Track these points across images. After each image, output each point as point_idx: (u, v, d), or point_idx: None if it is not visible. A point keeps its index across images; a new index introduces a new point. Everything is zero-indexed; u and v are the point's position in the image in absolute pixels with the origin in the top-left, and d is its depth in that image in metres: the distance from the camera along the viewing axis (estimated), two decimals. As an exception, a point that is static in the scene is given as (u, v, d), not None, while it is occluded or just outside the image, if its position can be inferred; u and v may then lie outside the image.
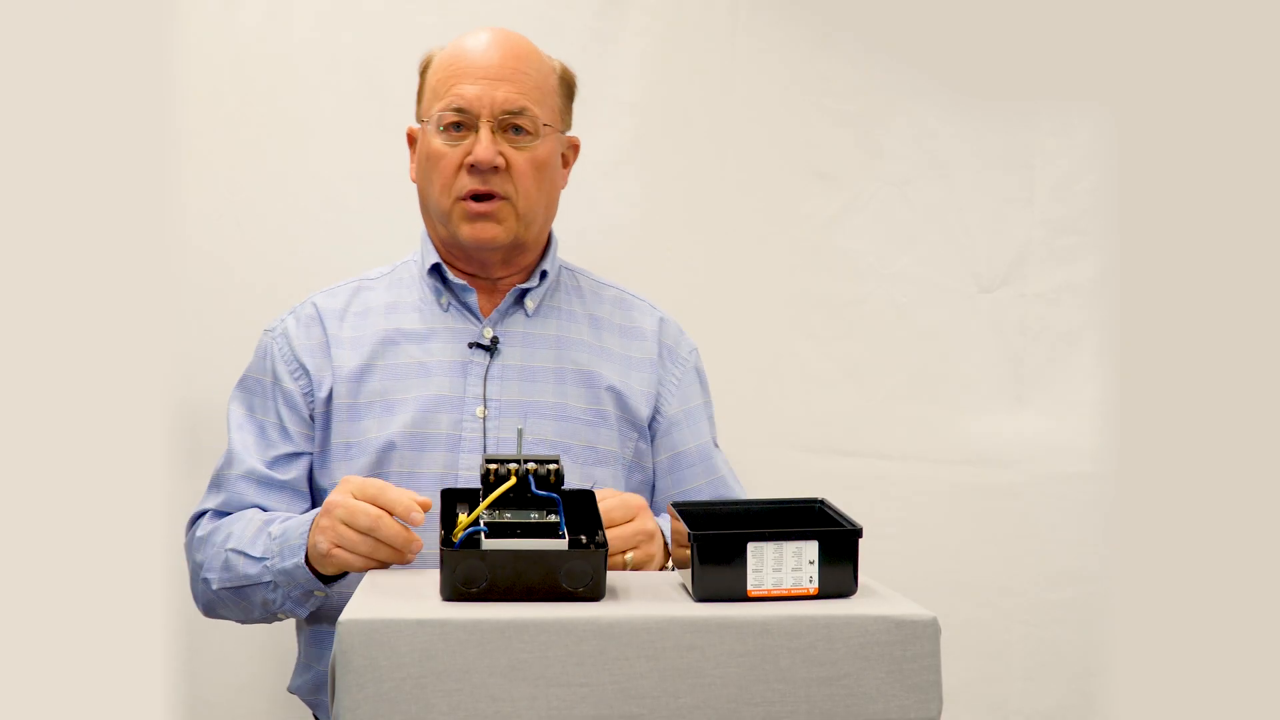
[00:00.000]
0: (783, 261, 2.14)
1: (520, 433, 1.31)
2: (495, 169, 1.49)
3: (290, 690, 1.59)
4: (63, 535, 0.91)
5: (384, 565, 1.28)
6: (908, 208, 2.14)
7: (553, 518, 1.15)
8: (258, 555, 1.40)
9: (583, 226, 2.11)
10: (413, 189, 2.02)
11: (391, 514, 1.25)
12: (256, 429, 1.54)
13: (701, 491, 1.59)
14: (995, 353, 2.15)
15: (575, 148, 1.63)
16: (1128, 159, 1.15)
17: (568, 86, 1.60)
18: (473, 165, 1.49)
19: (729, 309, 2.14)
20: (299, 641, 1.57)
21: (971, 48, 2.10)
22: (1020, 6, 2.08)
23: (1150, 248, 1.12)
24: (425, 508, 1.25)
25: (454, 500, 1.22)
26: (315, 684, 1.53)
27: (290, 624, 1.60)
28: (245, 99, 2.01)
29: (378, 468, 1.48)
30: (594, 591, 1.09)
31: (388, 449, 1.49)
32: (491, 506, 1.16)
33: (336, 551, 1.28)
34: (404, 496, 1.26)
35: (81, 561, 0.91)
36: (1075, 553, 2.11)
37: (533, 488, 1.18)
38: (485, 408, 1.51)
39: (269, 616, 1.45)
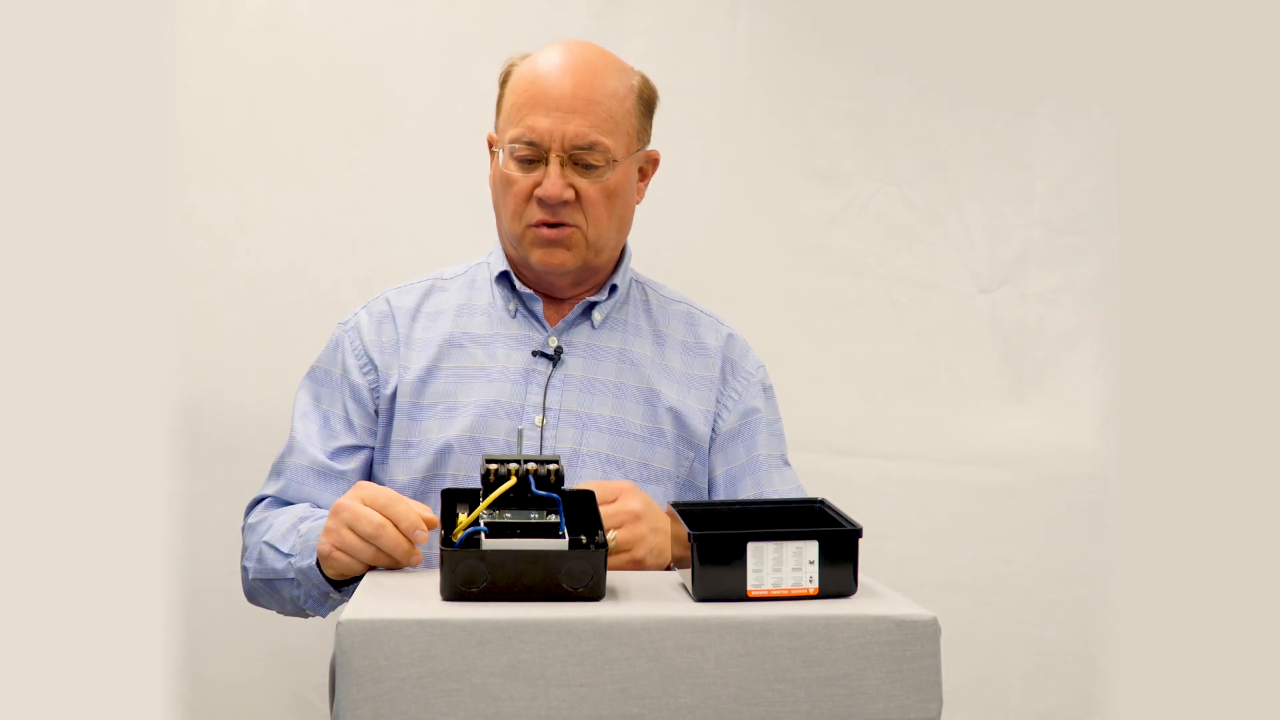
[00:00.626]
0: (783, 261, 2.14)
1: (521, 433, 1.31)
2: (564, 202, 1.49)
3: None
4: (63, 534, 0.91)
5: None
6: (908, 208, 2.14)
7: (553, 518, 1.15)
8: (285, 550, 1.41)
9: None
10: (410, 190, 2.03)
11: (397, 526, 1.24)
12: (321, 419, 1.55)
13: None
14: (995, 353, 2.15)
15: (655, 161, 1.62)
16: (1127, 159, 1.15)
17: (646, 103, 1.59)
18: (541, 199, 1.49)
19: (729, 309, 2.14)
20: None
21: (971, 48, 2.10)
22: (1020, 7, 2.08)
23: (1150, 248, 1.12)
24: (431, 525, 1.24)
25: (454, 500, 1.22)
26: None
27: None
28: (246, 101, 2.01)
29: (435, 469, 1.50)
30: (594, 591, 1.09)
31: (446, 451, 1.50)
32: (492, 506, 1.16)
33: (336, 554, 1.28)
34: (411, 511, 1.24)
35: (82, 560, 0.91)
36: (1075, 553, 2.11)
37: (533, 488, 1.18)
38: (544, 416, 1.51)
39: (300, 612, 1.46)
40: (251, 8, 2.01)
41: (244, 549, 1.51)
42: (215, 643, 1.90)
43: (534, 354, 1.54)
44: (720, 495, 1.58)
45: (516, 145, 1.50)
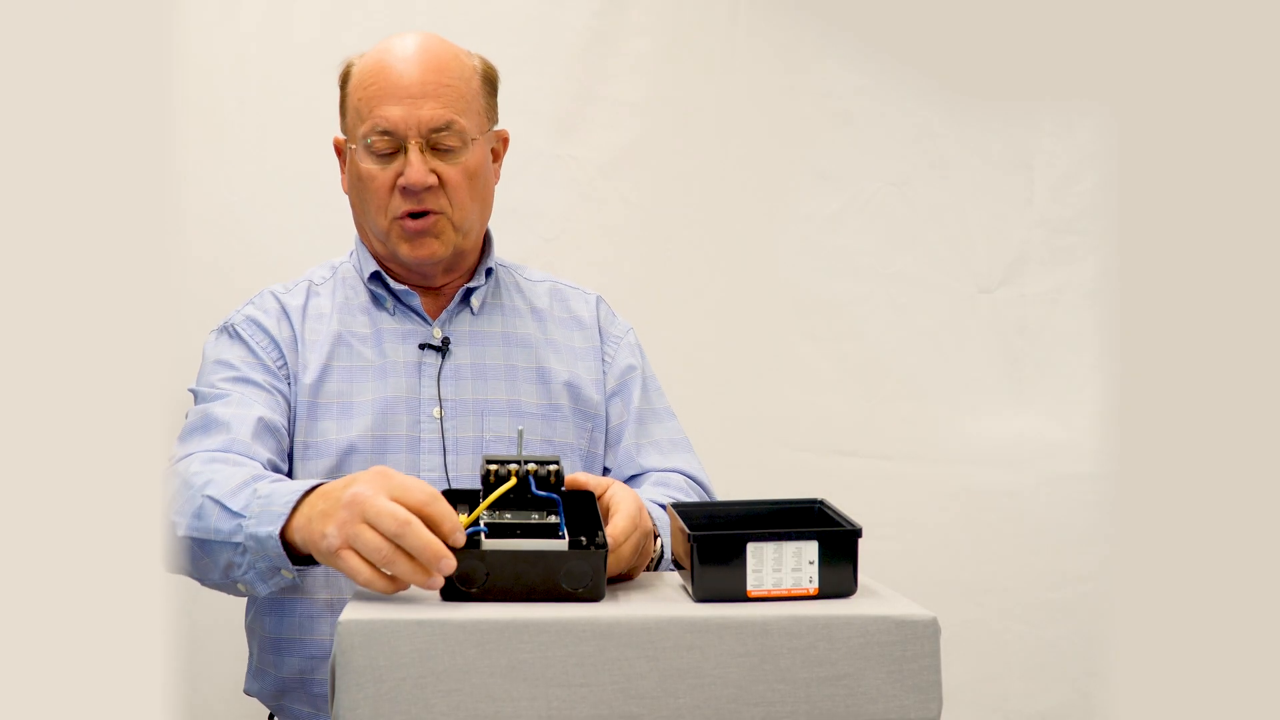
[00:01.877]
0: (783, 261, 2.14)
1: (521, 433, 1.31)
2: (429, 188, 1.48)
3: (248, 693, 1.54)
4: (62, 532, 0.91)
5: (394, 586, 1.08)
6: (908, 208, 2.14)
7: (553, 518, 1.15)
8: (236, 509, 1.21)
9: (581, 226, 2.12)
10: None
11: (438, 527, 1.07)
12: (241, 399, 1.45)
13: (620, 467, 1.58)
14: (995, 353, 2.15)
15: (505, 140, 1.62)
16: (1128, 159, 1.15)
17: (490, 83, 1.57)
18: (405, 187, 1.48)
19: (729, 309, 2.14)
20: (252, 646, 1.53)
21: (971, 48, 2.10)
22: (1020, 6, 2.08)
23: (1150, 248, 1.12)
24: None
25: (454, 501, 1.21)
26: (278, 689, 1.49)
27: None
28: (245, 101, 2.01)
29: (338, 471, 1.45)
30: (594, 592, 1.09)
31: (349, 451, 1.47)
32: (492, 507, 1.16)
33: (346, 554, 1.08)
34: (452, 512, 1.07)
35: (81, 558, 0.91)
36: (1075, 553, 2.11)
37: (533, 488, 1.18)
38: (441, 408, 1.51)
39: (228, 584, 1.25)
40: (251, 8, 2.01)
41: (172, 501, 1.28)
42: (215, 642, 1.90)
43: (421, 347, 1.54)
44: (607, 455, 1.59)
45: (372, 138, 1.49)
